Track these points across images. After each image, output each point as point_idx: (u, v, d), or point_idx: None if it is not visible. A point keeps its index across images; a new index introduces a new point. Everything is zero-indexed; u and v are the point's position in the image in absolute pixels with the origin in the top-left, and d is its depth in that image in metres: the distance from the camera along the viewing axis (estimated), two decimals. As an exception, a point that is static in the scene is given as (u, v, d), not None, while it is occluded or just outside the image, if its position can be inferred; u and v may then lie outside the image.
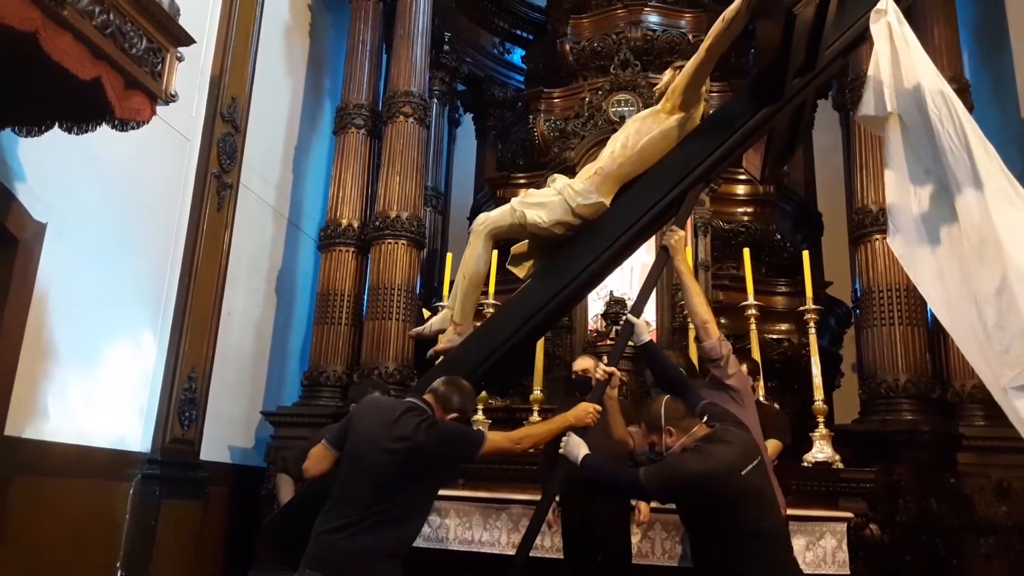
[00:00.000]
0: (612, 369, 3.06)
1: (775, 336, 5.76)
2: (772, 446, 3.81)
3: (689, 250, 3.52)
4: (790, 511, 3.66)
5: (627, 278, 5.91)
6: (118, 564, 4.58)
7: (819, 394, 4.75)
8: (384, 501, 2.64)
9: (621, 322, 3.25)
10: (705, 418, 2.80)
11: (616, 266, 3.82)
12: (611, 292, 5.64)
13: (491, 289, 5.18)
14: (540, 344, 5.14)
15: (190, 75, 4.93)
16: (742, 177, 6.44)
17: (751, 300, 5.13)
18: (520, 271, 3.49)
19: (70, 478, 4.32)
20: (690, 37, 6.84)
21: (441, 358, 3.40)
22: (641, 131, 3.38)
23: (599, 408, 3.00)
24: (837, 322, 6.46)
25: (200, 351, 5.33)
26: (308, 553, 2.68)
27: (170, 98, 3.43)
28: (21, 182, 4.00)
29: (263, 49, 6.23)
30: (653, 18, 7.11)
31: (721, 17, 3.24)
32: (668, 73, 3.56)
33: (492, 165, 8.39)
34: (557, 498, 3.57)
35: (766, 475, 2.77)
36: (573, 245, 3.33)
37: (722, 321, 5.77)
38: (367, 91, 6.80)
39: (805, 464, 4.54)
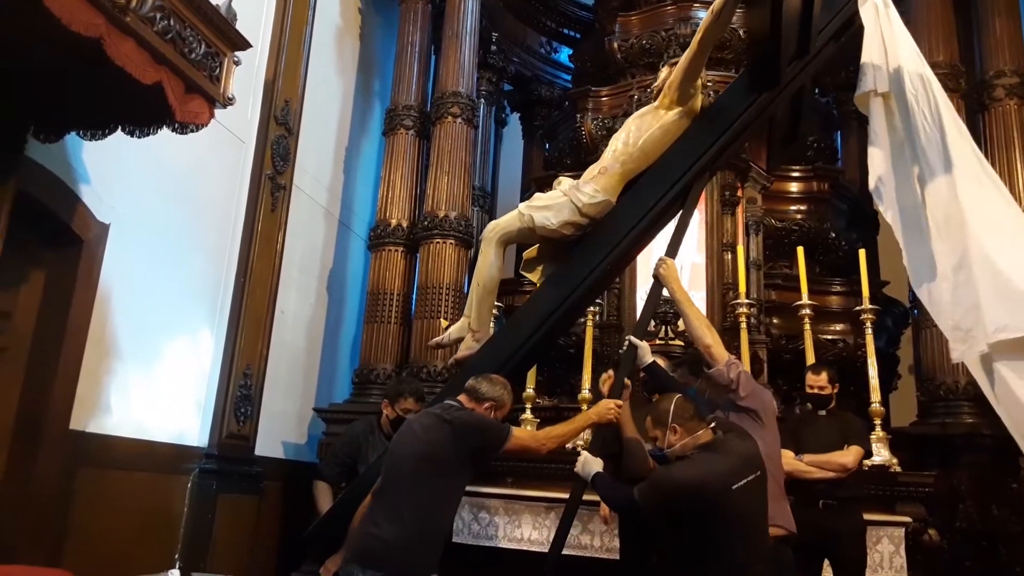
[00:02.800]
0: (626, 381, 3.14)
1: (830, 337, 5.64)
2: (854, 452, 3.76)
3: (672, 273, 3.55)
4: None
5: (677, 277, 5.85)
6: (176, 556, 4.71)
7: (876, 396, 4.64)
8: (418, 494, 2.72)
9: (624, 345, 3.28)
10: (712, 424, 2.76)
11: (628, 262, 3.83)
12: (661, 292, 5.59)
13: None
14: (588, 343, 5.13)
15: (245, 79, 5.03)
16: (795, 174, 6.34)
17: (805, 300, 5.04)
18: (534, 276, 3.52)
19: (131, 471, 4.45)
20: (741, 33, 6.74)
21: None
22: (641, 128, 3.40)
23: (620, 403, 3.02)
24: (894, 322, 6.30)
25: (255, 349, 5.45)
26: (350, 548, 2.76)
27: (228, 101, 3.50)
28: (85, 184, 4.14)
29: (315, 52, 6.34)
30: (703, 14, 7.00)
31: (710, 10, 3.27)
32: (664, 70, 3.63)
33: (539, 164, 8.40)
34: None
35: (761, 493, 2.68)
36: (583, 245, 3.36)
37: (774, 321, 5.71)
38: (416, 92, 6.86)
39: (862, 467, 4.43)
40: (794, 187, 6.38)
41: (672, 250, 3.37)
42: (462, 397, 2.95)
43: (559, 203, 3.34)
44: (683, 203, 3.37)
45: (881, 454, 4.45)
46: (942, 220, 3.14)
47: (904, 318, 6.29)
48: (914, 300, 5.80)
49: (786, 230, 6.13)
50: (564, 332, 4.36)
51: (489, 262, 3.43)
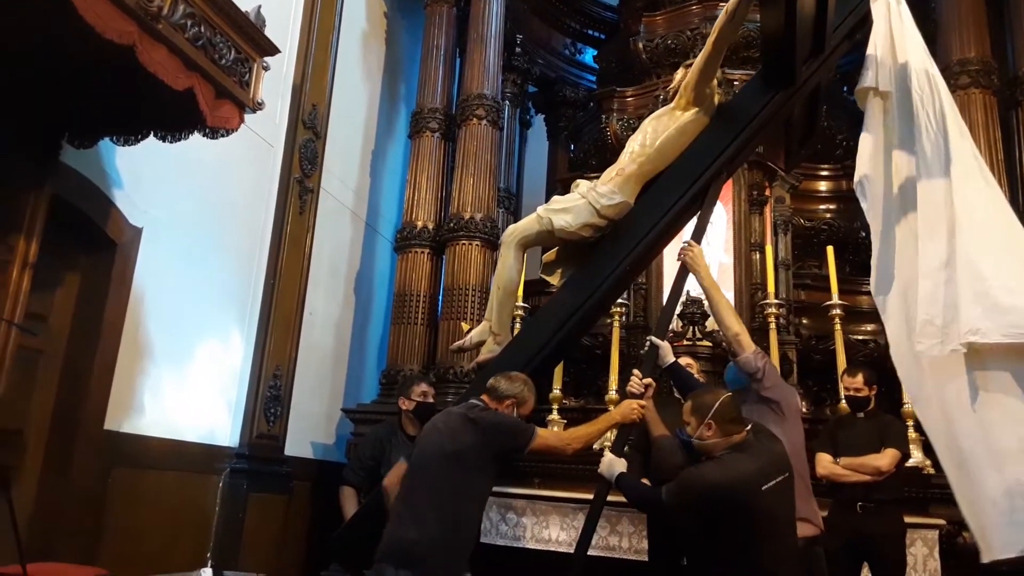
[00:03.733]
0: (649, 380, 3.12)
1: (861, 337, 5.56)
2: (889, 455, 3.72)
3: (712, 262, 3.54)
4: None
5: (704, 277, 5.82)
6: (208, 554, 4.78)
7: (908, 397, 4.57)
8: (444, 494, 2.74)
9: (646, 345, 3.27)
10: (748, 427, 2.74)
11: (648, 263, 3.82)
12: (688, 292, 5.55)
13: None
14: (615, 344, 5.11)
15: (273, 83, 5.09)
16: (824, 173, 6.27)
17: (835, 300, 4.98)
18: (553, 278, 3.53)
19: (164, 470, 4.53)
20: (767, 31, 6.69)
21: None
22: (658, 129, 3.41)
23: (644, 403, 3.02)
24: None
25: (284, 350, 5.52)
26: (380, 549, 2.79)
27: (257, 106, 3.55)
28: (118, 189, 4.22)
29: (341, 57, 6.40)
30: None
31: (724, 9, 3.28)
32: (680, 71, 3.63)
33: (564, 166, 8.39)
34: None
35: (789, 494, 2.67)
36: (602, 246, 3.37)
37: (804, 321, 5.65)
38: (441, 95, 6.89)
39: (900, 469, 4.37)
40: (823, 186, 6.31)
41: (697, 236, 3.35)
42: (484, 396, 2.97)
43: (577, 205, 3.35)
44: (701, 204, 3.36)
45: (914, 456, 4.39)
46: (934, 220, 3.13)
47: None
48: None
49: (815, 229, 6.06)
50: (585, 333, 4.36)
51: (508, 266, 3.45)
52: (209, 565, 4.68)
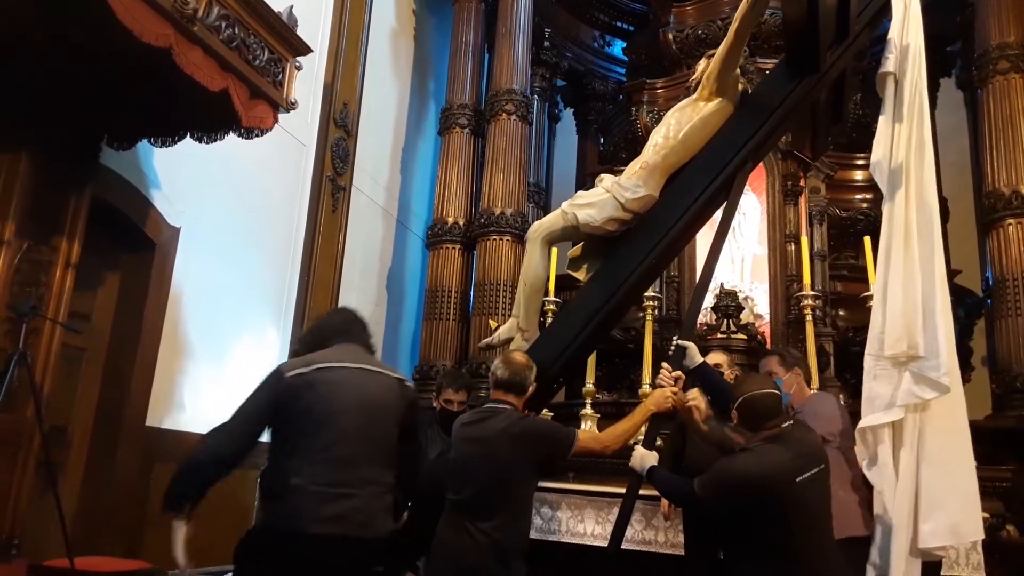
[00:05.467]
0: (678, 373, 3.09)
1: (898, 328, 5.46)
2: None
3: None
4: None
5: (738, 271, 5.77)
6: (248, 548, 4.84)
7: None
8: (491, 502, 2.74)
9: (672, 347, 3.23)
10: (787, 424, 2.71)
11: (675, 255, 3.78)
12: (721, 284, 5.51)
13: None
14: (648, 338, 5.08)
15: (305, 83, 5.14)
16: (860, 163, 6.16)
17: (872, 291, 4.90)
18: (580, 274, 3.51)
19: (204, 466, 4.60)
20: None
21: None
22: (681, 121, 3.38)
23: (675, 391, 2.99)
24: (967, 313, 6.07)
25: (318, 346, 5.57)
26: (435, 552, 2.82)
27: (290, 106, 3.60)
28: (156, 189, 4.30)
29: (371, 55, 6.44)
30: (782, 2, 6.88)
31: None
32: (703, 62, 3.59)
33: (593, 159, 8.34)
34: None
35: (825, 486, 2.63)
36: (628, 240, 3.34)
37: (840, 313, 5.57)
38: (470, 91, 6.90)
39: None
40: (859, 175, 6.20)
41: (724, 227, 3.32)
42: (509, 397, 2.91)
43: (602, 200, 3.34)
44: (727, 194, 3.33)
45: (955, 449, 4.30)
46: (896, 218, 3.26)
47: (977, 308, 6.07)
48: (988, 289, 5.59)
49: (851, 219, 5.96)
50: (614, 327, 4.34)
51: (535, 262, 3.45)
52: (249, 558, 4.75)
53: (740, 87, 3.47)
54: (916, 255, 3.19)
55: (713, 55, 3.45)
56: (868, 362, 3.25)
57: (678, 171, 3.39)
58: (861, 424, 3.16)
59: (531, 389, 2.96)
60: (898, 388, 3.11)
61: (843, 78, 3.68)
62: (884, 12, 3.50)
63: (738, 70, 3.45)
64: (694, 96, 3.46)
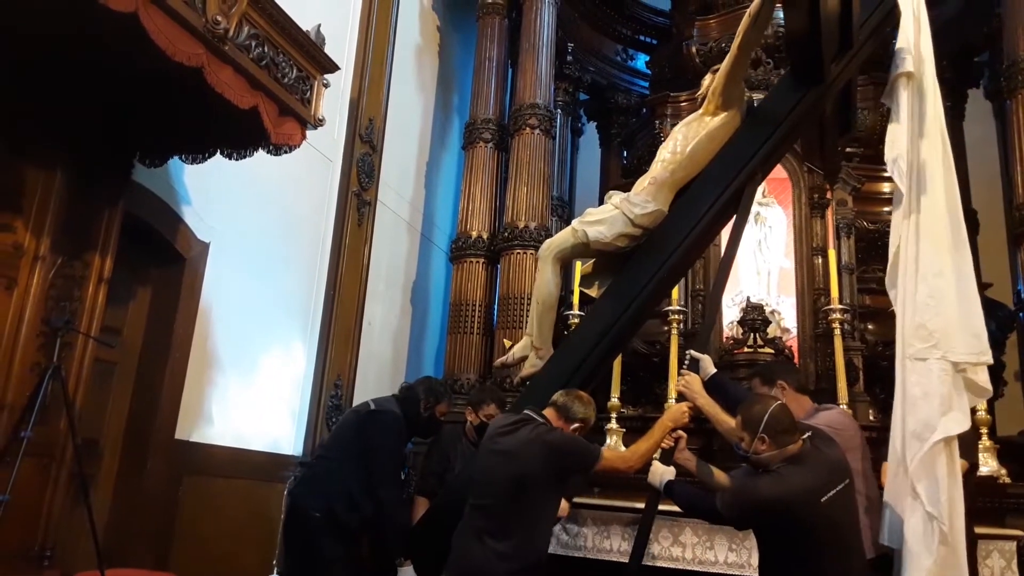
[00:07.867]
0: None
1: (928, 342, 5.38)
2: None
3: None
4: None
5: (763, 283, 5.72)
6: (274, 561, 4.87)
7: (981, 404, 4.41)
8: (513, 514, 2.75)
9: (687, 360, 3.22)
10: (806, 435, 2.67)
11: (687, 269, 3.78)
12: (747, 298, 5.48)
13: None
14: (673, 352, 5.06)
15: (332, 99, 5.20)
16: (887, 175, 6.08)
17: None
18: (592, 291, 3.53)
19: (232, 478, 4.64)
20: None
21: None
22: (688, 135, 3.41)
23: (692, 405, 2.99)
24: (998, 327, 5.96)
25: (345, 359, 5.61)
26: (449, 560, 2.82)
27: (318, 123, 3.64)
28: (187, 205, 4.37)
29: (396, 71, 6.51)
30: (783, 15, 6.86)
31: (747, 13, 3.27)
32: (708, 77, 3.62)
33: (616, 173, 8.35)
34: None
35: (850, 501, 2.61)
36: (638, 255, 3.35)
37: (869, 327, 5.51)
38: (494, 106, 6.94)
39: (969, 479, 4.22)
40: (886, 187, 6.14)
41: (734, 239, 3.31)
42: (550, 413, 2.96)
43: (611, 216, 3.36)
44: (736, 207, 3.33)
45: (989, 464, 4.24)
46: (930, 221, 3.26)
47: (1009, 321, 5.96)
48: (1020, 302, 5.50)
49: (879, 232, 5.89)
50: (628, 342, 4.33)
51: (546, 280, 3.46)
52: (276, 572, 4.78)
53: (746, 101, 3.48)
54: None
55: (718, 70, 3.47)
56: (919, 350, 3.19)
57: (687, 185, 3.40)
58: (943, 433, 3.07)
59: (576, 425, 2.96)
60: (954, 389, 3.09)
61: (849, 88, 3.69)
62: (888, 21, 3.52)
63: (743, 84, 3.48)
64: (700, 111, 3.49)
